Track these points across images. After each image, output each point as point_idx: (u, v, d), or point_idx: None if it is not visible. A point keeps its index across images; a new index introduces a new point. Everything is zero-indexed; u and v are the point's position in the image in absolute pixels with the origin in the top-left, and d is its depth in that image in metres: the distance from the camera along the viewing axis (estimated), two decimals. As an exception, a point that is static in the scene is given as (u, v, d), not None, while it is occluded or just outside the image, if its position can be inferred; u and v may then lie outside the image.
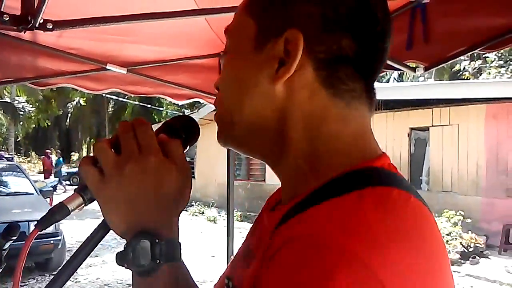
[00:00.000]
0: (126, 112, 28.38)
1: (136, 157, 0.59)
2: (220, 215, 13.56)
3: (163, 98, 4.34)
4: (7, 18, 1.51)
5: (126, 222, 0.59)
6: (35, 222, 0.61)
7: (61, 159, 22.10)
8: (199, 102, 3.79)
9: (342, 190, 0.52)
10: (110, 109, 32.27)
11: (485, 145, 9.79)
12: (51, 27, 1.64)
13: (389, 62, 2.20)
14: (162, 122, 0.68)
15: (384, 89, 10.64)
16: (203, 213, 14.12)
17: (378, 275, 0.43)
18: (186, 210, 14.69)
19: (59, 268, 0.61)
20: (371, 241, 0.45)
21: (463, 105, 10.04)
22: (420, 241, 0.49)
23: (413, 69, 2.33)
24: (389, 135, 11.30)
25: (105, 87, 3.12)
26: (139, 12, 1.95)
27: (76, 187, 0.65)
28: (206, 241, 10.09)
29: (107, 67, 2.87)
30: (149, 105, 23.73)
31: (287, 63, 0.58)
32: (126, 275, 6.96)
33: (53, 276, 0.60)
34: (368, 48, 0.59)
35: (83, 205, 0.61)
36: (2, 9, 1.55)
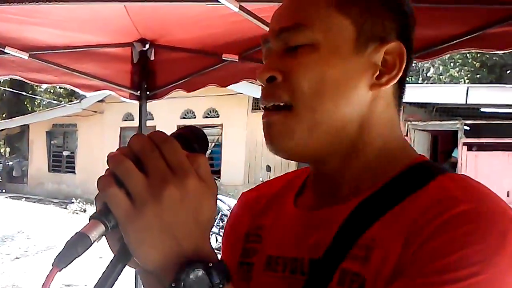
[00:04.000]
0: (-6, 100, 25.64)
1: (172, 180, 0.50)
2: (104, 213, 12.89)
3: (37, 85, 3.95)
4: None
5: (164, 254, 0.51)
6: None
7: None
8: (79, 93, 3.50)
9: (427, 176, 0.61)
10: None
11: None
12: None
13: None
14: (172, 134, 0.58)
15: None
16: (85, 210, 13.30)
17: None
18: (65, 208, 13.75)
19: None
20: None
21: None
22: None
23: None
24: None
25: (1, 73, 2.75)
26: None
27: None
28: (91, 240, 9.51)
29: (6, 50, 2.56)
30: (23, 92, 21.71)
31: (391, 73, 0.64)
32: None
33: None
34: (410, 65, 0.68)
35: (106, 233, 0.50)
36: None
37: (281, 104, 0.64)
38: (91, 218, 0.51)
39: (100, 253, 8.00)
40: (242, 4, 1.77)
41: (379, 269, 0.57)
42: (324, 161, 0.67)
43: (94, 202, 0.53)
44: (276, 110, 0.65)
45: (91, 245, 0.49)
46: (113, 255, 0.53)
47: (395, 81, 0.64)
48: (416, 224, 0.56)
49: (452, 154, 10.02)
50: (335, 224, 0.63)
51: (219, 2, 1.66)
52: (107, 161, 0.52)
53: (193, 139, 0.58)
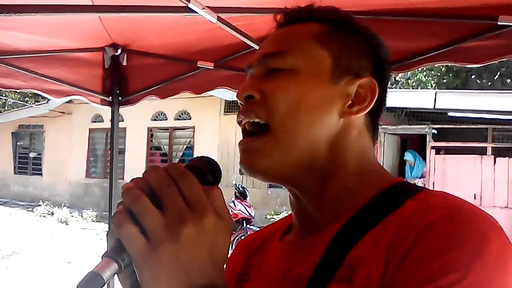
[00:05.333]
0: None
1: (191, 217, 0.49)
2: (72, 216, 12.61)
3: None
4: None
5: None
6: None
7: None
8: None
9: (404, 195, 0.62)
10: None
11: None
12: None
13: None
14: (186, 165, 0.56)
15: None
16: (52, 213, 12.97)
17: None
18: (32, 211, 13.39)
19: None
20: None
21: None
22: None
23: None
24: (238, 137, 11.62)
25: (-35, 77, 2.64)
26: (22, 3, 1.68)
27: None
28: (59, 245, 9.28)
29: (-30, 55, 2.45)
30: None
31: (362, 104, 0.68)
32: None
33: None
34: (382, 104, 0.72)
35: (119, 272, 0.49)
36: None
37: (257, 120, 0.67)
38: (104, 256, 0.50)
39: (69, 259, 7.80)
40: (220, 15, 1.75)
41: (364, 287, 0.57)
42: (300, 183, 0.68)
43: (106, 237, 0.52)
44: (253, 136, 0.67)
45: (104, 284, 0.48)
46: None
47: (365, 111, 0.68)
48: (395, 237, 0.57)
49: (405, 158, 10.24)
50: (318, 252, 0.63)
51: (196, 13, 1.63)
52: (122, 194, 0.51)
53: (206, 171, 0.57)
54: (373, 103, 0.68)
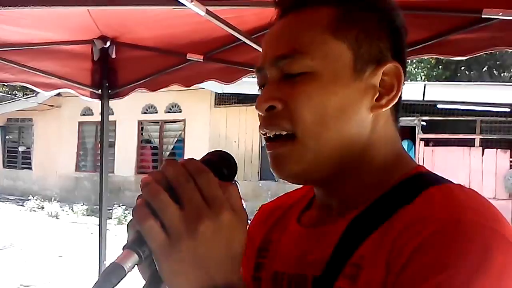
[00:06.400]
0: None
1: (208, 214, 0.51)
2: (63, 210, 12.56)
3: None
4: None
5: (196, 287, 0.52)
6: None
7: None
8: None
9: (415, 190, 0.60)
10: None
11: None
12: None
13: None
14: (201, 159, 0.58)
15: (240, 84, 10.94)
16: (43, 208, 12.91)
17: None
18: (22, 205, 13.31)
19: None
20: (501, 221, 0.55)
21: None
22: None
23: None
24: (242, 129, 11.69)
25: (-47, 71, 2.62)
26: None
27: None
28: (50, 239, 9.25)
29: (-43, 48, 2.43)
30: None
31: (390, 94, 0.64)
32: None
33: None
34: (405, 77, 0.68)
35: (139, 263, 0.51)
36: None
37: (283, 133, 0.64)
38: (125, 247, 0.52)
39: (60, 253, 7.78)
40: (209, 8, 1.75)
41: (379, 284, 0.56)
42: (328, 182, 0.67)
43: (126, 229, 0.54)
44: (279, 140, 0.65)
45: (125, 275, 0.50)
46: (144, 282, 0.54)
47: (395, 101, 0.65)
48: (395, 244, 0.56)
49: None
50: (331, 242, 0.64)
51: (185, 6, 1.64)
52: (141, 187, 0.52)
53: (222, 165, 0.58)
54: (401, 89, 0.65)
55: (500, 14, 1.73)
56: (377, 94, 0.64)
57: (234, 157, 0.61)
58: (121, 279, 0.49)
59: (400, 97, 0.67)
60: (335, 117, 0.63)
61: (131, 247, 0.51)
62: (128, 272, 0.50)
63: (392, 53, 0.65)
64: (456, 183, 0.62)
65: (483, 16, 1.77)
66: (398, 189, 0.63)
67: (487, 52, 1.95)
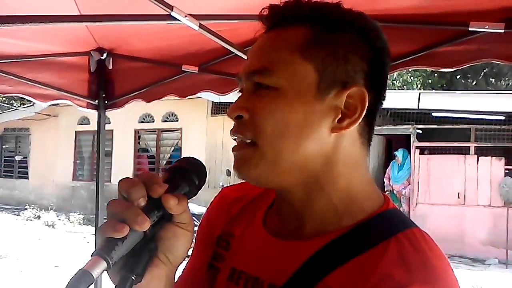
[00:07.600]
0: None
1: None
2: (59, 219, 12.51)
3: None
4: None
5: None
6: None
7: None
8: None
9: (384, 234, 0.63)
10: None
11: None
12: None
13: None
14: (169, 167, 0.63)
15: (237, 93, 10.95)
16: (39, 217, 12.86)
17: None
18: (18, 215, 13.26)
19: None
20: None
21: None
22: None
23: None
24: (226, 138, 11.65)
25: (-49, 83, 2.64)
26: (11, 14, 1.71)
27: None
28: (46, 249, 9.22)
29: (-45, 61, 2.46)
30: (-29, 95, 20.76)
31: (352, 117, 0.66)
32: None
33: None
34: (380, 100, 0.71)
35: (108, 269, 0.53)
36: None
37: (247, 141, 0.68)
38: (93, 254, 0.53)
39: (56, 262, 7.73)
40: (202, 22, 1.80)
41: None
42: (289, 191, 0.70)
43: (94, 237, 0.58)
44: (243, 144, 0.69)
45: (93, 282, 0.51)
46: (114, 287, 0.57)
47: (356, 124, 0.66)
48: None
49: (395, 152, 10.28)
50: (298, 259, 0.66)
51: (179, 21, 1.68)
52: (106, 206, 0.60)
53: (194, 174, 0.64)
54: (364, 113, 0.66)
55: (487, 27, 1.78)
56: (339, 116, 0.66)
57: (205, 165, 0.66)
58: (89, 286, 0.51)
59: (373, 117, 0.70)
60: (295, 133, 0.66)
61: (99, 253, 0.53)
62: (96, 278, 0.51)
63: (365, 75, 0.67)
64: (417, 228, 0.66)
65: (470, 29, 1.82)
66: (367, 226, 0.66)
67: (474, 63, 2.00)
